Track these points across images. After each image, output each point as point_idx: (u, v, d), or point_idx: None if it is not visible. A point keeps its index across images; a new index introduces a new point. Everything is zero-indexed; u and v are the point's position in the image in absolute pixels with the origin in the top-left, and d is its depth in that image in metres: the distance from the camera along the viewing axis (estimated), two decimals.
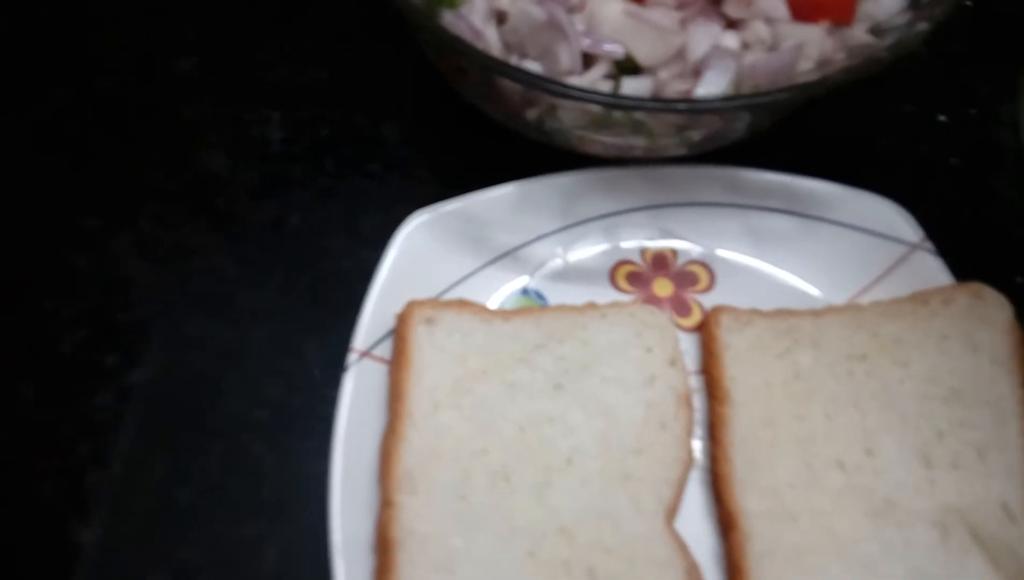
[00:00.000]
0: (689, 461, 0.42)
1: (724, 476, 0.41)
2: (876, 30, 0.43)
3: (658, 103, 0.39)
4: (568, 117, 0.43)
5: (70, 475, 0.42)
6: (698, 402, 0.44)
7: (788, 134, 0.50)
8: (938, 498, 0.41)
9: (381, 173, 0.50)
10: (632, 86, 0.41)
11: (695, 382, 0.45)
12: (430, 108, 0.53)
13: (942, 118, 0.55)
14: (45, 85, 0.53)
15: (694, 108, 0.38)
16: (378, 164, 0.51)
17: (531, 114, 0.44)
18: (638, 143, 0.45)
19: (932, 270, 0.46)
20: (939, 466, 0.42)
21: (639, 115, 0.41)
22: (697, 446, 0.43)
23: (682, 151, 0.47)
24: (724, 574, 0.40)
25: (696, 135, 0.44)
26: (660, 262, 0.48)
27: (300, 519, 0.40)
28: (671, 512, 0.40)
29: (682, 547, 0.39)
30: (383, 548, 0.38)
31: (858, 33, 0.41)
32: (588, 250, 0.48)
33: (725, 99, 0.39)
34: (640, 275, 0.48)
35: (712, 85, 0.39)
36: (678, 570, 0.39)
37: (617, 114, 0.41)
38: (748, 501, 0.40)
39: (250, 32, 0.54)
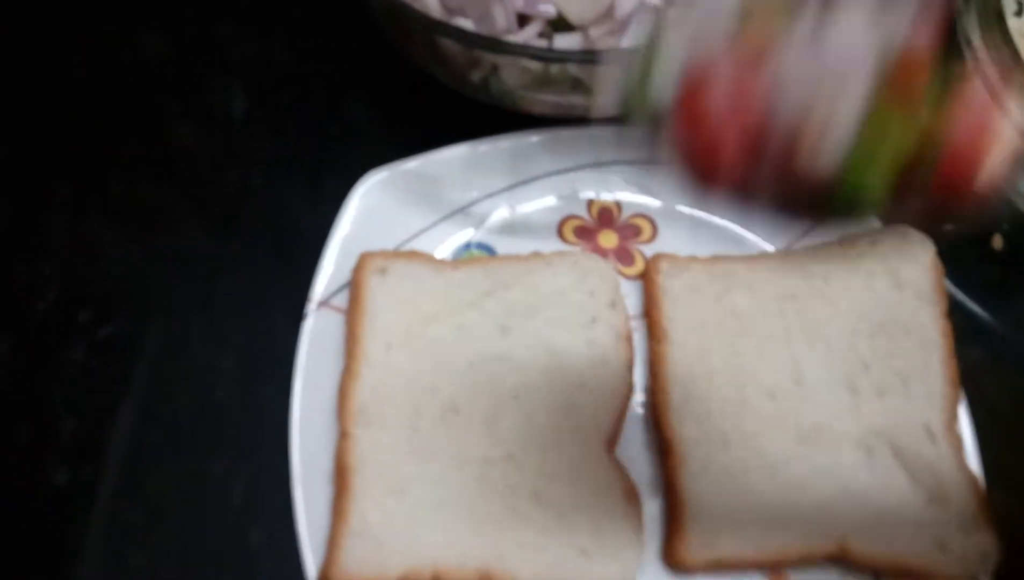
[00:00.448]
0: (628, 394, 0.44)
1: (661, 406, 0.44)
2: None
3: (586, 54, 0.42)
4: (510, 77, 0.46)
5: (46, 422, 0.44)
6: (640, 345, 0.47)
7: None
8: (864, 422, 0.44)
9: (340, 137, 0.53)
10: (564, 42, 0.43)
11: (638, 326, 0.48)
12: (386, 77, 0.55)
13: None
14: (16, 63, 0.55)
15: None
16: (337, 129, 0.53)
17: (475, 76, 0.47)
18: (578, 101, 0.48)
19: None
20: (865, 393, 0.44)
21: (574, 70, 0.44)
22: (637, 382, 0.46)
23: None
24: (661, 496, 0.43)
25: None
26: (605, 215, 0.51)
27: (264, 457, 0.43)
28: (612, 440, 0.43)
29: (622, 472, 0.42)
30: (341, 474, 0.40)
31: None
32: (537, 205, 0.51)
33: None
34: (586, 228, 0.50)
35: (635, 38, 0.42)
36: (618, 493, 0.41)
37: (554, 70, 0.44)
38: (683, 428, 0.43)
39: (210, 9, 0.57)
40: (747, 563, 0.41)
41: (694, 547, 0.41)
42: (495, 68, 0.46)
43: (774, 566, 0.41)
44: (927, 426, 0.44)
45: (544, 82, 0.46)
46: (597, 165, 0.51)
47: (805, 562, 0.41)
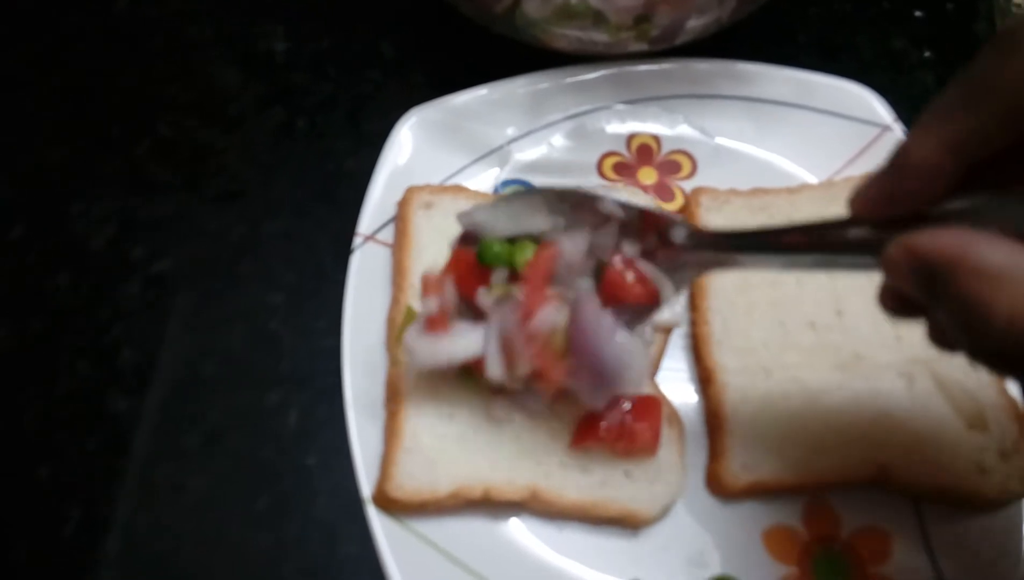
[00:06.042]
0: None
1: (702, 337, 0.44)
2: None
3: None
4: (532, 8, 0.46)
5: (106, 354, 0.46)
6: None
7: (772, 30, 0.52)
8: (905, 351, 0.44)
9: (380, 79, 0.54)
10: None
11: None
12: (422, 18, 0.55)
13: (918, 13, 0.57)
14: (68, 9, 0.56)
15: None
16: (376, 71, 0.54)
17: (498, 7, 0.46)
18: (600, 38, 0.47)
19: None
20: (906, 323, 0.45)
21: (595, 2, 0.43)
22: (678, 312, 0.46)
23: (643, 46, 0.49)
24: (702, 422, 0.44)
25: (654, 29, 0.47)
26: (644, 152, 0.51)
27: (317, 386, 0.44)
28: (653, 367, 0.44)
29: (663, 397, 0.43)
30: (392, 398, 0.42)
31: None
32: (577, 142, 0.51)
33: None
34: (626, 165, 0.51)
35: None
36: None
37: (575, 2, 0.44)
38: (724, 358, 0.44)
39: None
40: (787, 487, 0.41)
41: (735, 472, 0.41)
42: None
43: (814, 490, 0.42)
44: None
45: (566, 15, 0.46)
46: (635, 101, 0.52)
47: (845, 486, 0.42)
